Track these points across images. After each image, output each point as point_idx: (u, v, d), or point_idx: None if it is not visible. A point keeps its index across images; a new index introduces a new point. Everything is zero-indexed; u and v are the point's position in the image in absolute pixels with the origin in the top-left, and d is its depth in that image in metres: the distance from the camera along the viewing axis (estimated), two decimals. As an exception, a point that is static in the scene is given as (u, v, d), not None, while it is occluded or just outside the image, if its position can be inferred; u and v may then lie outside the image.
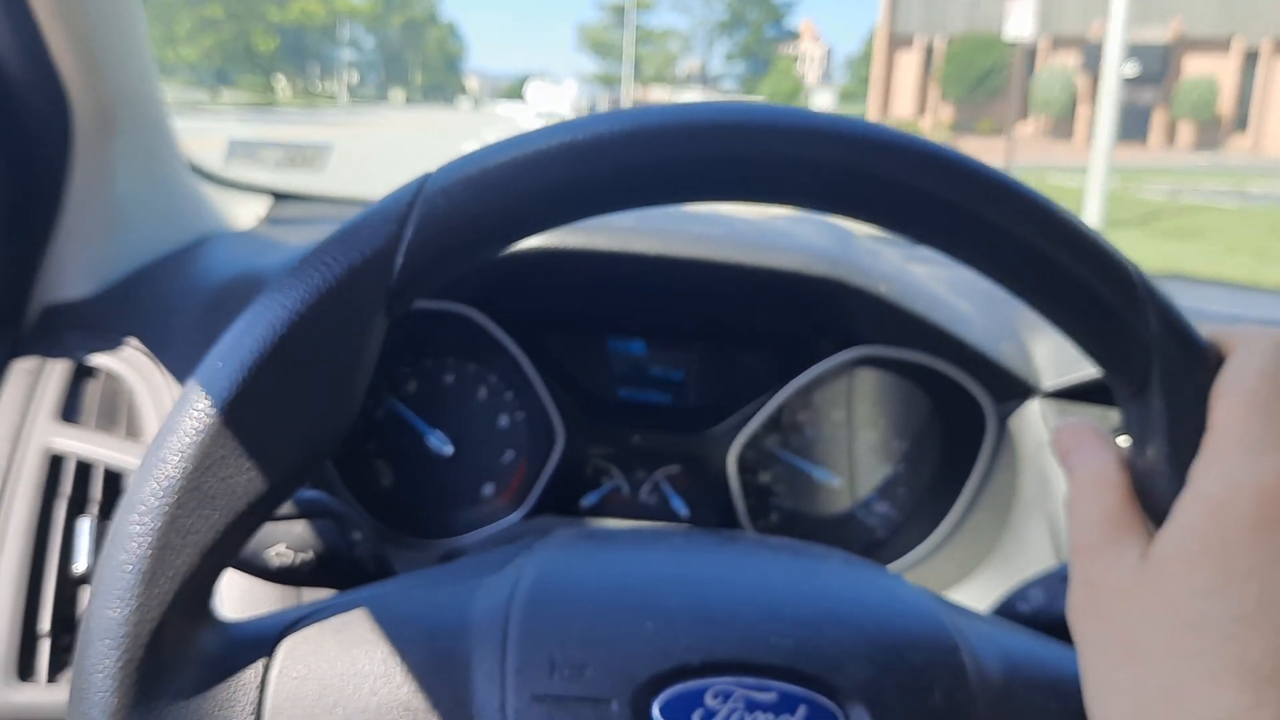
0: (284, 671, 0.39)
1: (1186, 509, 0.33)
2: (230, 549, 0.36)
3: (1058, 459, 0.39)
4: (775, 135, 0.34)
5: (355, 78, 69.43)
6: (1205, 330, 0.37)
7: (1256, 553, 0.31)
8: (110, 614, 0.34)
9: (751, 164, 0.35)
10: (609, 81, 65.27)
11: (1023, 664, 0.45)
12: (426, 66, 78.81)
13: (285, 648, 0.39)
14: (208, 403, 0.34)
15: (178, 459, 0.34)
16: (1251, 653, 0.30)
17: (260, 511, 0.36)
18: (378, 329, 0.36)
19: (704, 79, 65.86)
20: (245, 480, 0.35)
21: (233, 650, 0.38)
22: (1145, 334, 0.35)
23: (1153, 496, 0.36)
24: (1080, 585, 0.35)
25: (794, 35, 67.42)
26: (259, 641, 0.39)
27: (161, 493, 0.34)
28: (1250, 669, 0.30)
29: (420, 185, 0.35)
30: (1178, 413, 0.35)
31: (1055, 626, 0.50)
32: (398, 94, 71.92)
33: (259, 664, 0.38)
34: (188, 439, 0.34)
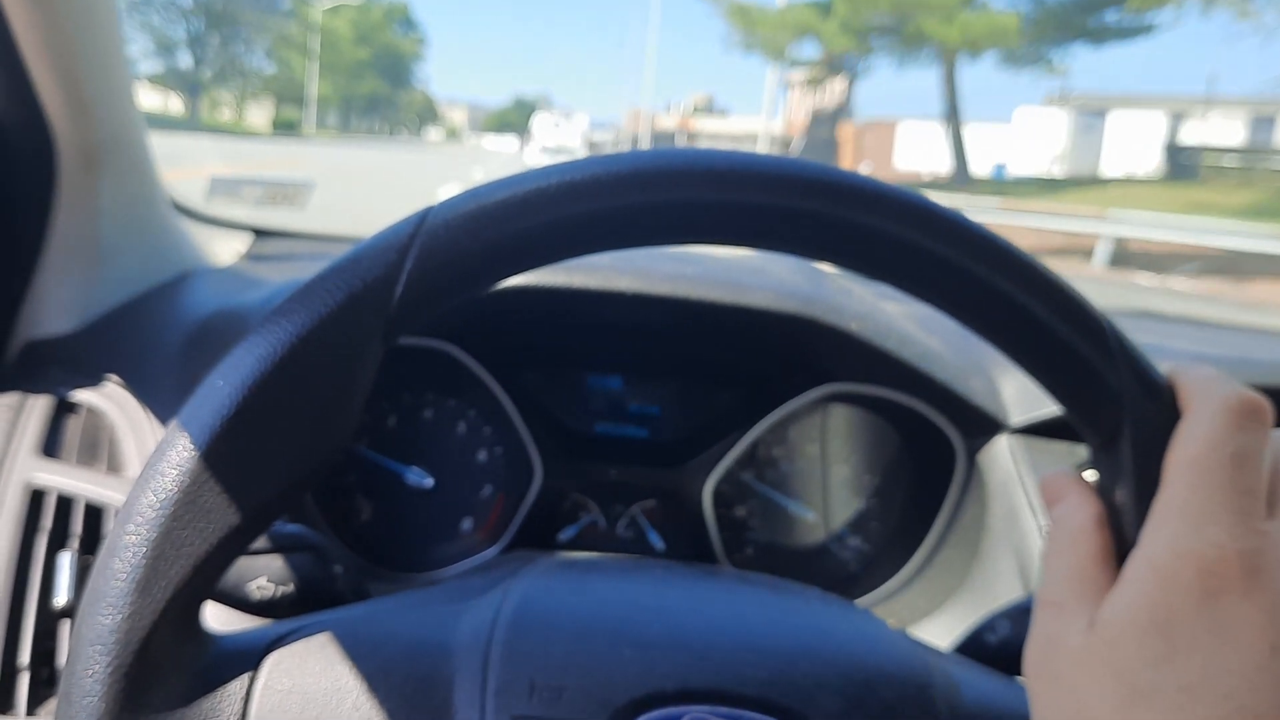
0: (269, 685, 0.39)
1: (1134, 573, 0.33)
2: (222, 563, 0.37)
3: (1043, 509, 0.39)
4: (759, 184, 0.35)
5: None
6: (1164, 368, 0.37)
7: (1200, 623, 0.31)
8: (102, 620, 0.35)
9: (743, 211, 0.36)
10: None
11: (992, 706, 0.46)
12: (334, 70, 44.43)
13: (271, 661, 0.40)
14: (207, 419, 0.35)
15: (175, 473, 0.35)
16: None
17: (253, 527, 0.36)
18: (374, 356, 0.37)
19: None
20: (240, 496, 0.35)
21: (219, 662, 0.39)
22: (1117, 386, 0.36)
23: (1126, 546, 0.36)
24: (1036, 641, 0.36)
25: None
26: (245, 654, 0.40)
27: (158, 505, 0.35)
28: None
29: (423, 217, 0.36)
30: (1144, 465, 0.35)
31: (1020, 657, 0.51)
32: (257, 113, 41.22)
33: (245, 676, 0.39)
34: (186, 454, 0.35)
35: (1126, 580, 0.33)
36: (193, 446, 0.35)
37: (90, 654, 0.35)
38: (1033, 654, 0.36)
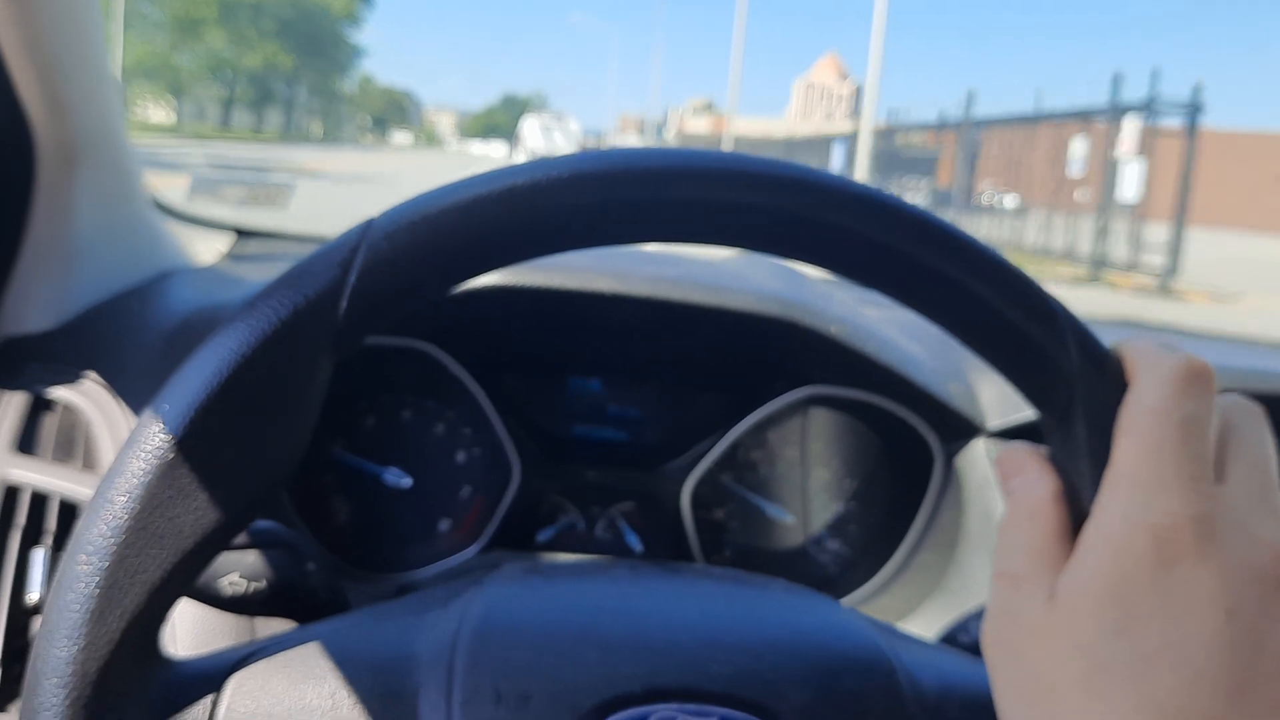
0: (232, 708, 0.39)
1: (1089, 545, 0.33)
2: (179, 587, 0.36)
3: (999, 483, 0.39)
4: (710, 180, 0.35)
5: None
6: (1111, 344, 0.37)
7: (1156, 592, 0.31)
8: (58, 653, 0.34)
9: (691, 208, 0.36)
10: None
11: (957, 685, 0.46)
12: (183, 27, 27.35)
13: (233, 684, 0.40)
14: (155, 444, 0.35)
15: (125, 499, 0.34)
16: (1157, 691, 0.30)
17: (208, 549, 0.36)
18: (324, 369, 0.36)
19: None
20: (193, 519, 0.35)
21: (180, 687, 0.39)
22: (1068, 366, 0.36)
23: (1083, 519, 0.36)
24: (995, 614, 0.35)
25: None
26: (207, 678, 0.40)
27: (109, 533, 0.34)
28: (1156, 706, 0.30)
29: (365, 229, 0.36)
30: (1096, 438, 0.36)
31: None
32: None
33: (206, 700, 0.39)
34: (135, 479, 0.35)
35: (1083, 552, 0.33)
36: (141, 472, 0.35)
37: (48, 687, 0.34)
38: (991, 628, 0.36)
